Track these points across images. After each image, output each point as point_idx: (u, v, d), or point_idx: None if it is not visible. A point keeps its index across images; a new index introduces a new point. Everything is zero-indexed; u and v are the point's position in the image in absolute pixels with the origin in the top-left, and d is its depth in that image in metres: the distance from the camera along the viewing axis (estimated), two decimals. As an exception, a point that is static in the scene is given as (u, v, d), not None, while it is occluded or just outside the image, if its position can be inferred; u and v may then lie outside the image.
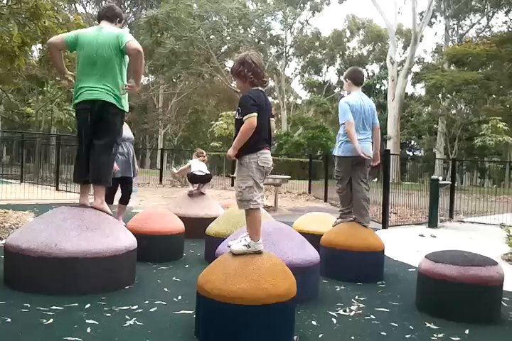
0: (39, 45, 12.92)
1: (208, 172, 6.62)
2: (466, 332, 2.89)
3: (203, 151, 7.10)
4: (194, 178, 6.54)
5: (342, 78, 4.81)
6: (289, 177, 10.48)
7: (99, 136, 3.75)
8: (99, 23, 3.99)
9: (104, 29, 3.83)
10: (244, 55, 2.83)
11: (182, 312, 3.00)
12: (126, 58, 3.91)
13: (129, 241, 3.59)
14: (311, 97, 42.45)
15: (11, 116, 27.25)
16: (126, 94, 3.89)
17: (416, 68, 35.80)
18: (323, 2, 38.08)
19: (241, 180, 2.71)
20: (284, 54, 36.06)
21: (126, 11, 35.37)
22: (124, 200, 5.50)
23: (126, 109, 3.94)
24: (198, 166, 6.61)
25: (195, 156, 6.91)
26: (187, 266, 4.45)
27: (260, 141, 2.73)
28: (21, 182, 14.31)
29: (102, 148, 3.75)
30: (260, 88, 2.80)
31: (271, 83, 35.39)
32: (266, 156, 2.73)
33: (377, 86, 43.47)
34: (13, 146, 27.60)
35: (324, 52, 44.33)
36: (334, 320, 3.00)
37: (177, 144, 40.31)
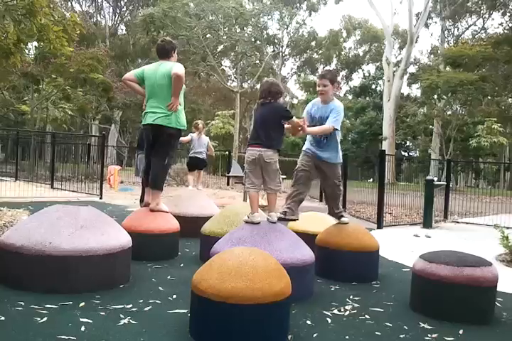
0: (35, 43, 12.86)
1: (204, 157, 6.99)
2: (460, 332, 2.90)
3: (198, 122, 7.28)
4: (192, 162, 7.04)
5: (327, 83, 4.14)
6: (284, 176, 10.47)
7: (157, 152, 4.66)
8: (160, 59, 4.77)
9: (163, 64, 4.66)
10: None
11: (176, 311, 2.99)
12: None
13: (124, 240, 3.58)
14: (307, 97, 42.43)
15: (6, 114, 27.10)
16: (181, 111, 4.66)
17: (412, 69, 35.93)
18: (320, 2, 38.12)
19: None
20: (280, 53, 36.05)
21: (123, 10, 35.23)
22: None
23: (181, 126, 4.67)
24: (196, 141, 7.06)
25: (194, 130, 7.18)
26: (182, 264, 4.45)
27: (248, 141, 3.80)
28: (16, 179, 14.24)
29: (156, 161, 4.69)
30: (260, 102, 3.86)
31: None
32: (249, 152, 3.75)
33: (373, 86, 43.53)
34: (8, 144, 27.44)
35: (320, 52, 44.35)
36: (329, 320, 3.01)
37: (173, 143, 40.14)
